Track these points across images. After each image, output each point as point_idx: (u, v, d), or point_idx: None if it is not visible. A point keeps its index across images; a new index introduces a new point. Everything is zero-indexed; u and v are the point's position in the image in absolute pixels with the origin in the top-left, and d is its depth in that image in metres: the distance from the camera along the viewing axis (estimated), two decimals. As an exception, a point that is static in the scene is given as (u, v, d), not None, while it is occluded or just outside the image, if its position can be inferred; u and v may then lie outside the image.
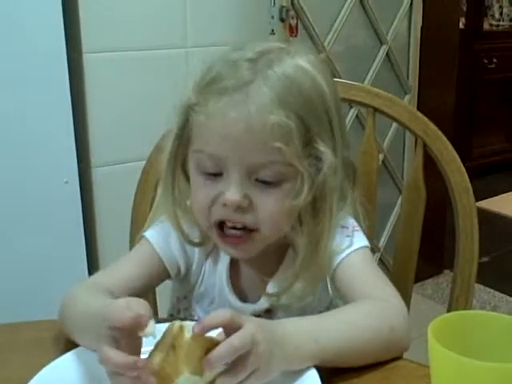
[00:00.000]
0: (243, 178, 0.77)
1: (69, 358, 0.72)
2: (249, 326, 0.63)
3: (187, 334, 0.62)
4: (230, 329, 0.63)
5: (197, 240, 0.88)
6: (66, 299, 0.80)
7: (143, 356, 0.64)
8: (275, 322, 0.70)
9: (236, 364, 0.62)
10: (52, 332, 0.81)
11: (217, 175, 0.79)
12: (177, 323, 0.63)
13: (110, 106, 1.75)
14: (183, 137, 0.82)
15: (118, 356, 0.61)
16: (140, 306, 0.64)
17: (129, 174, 1.24)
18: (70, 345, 0.76)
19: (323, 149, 0.78)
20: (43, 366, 0.70)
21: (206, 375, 0.62)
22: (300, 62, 0.79)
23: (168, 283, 0.94)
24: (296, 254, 0.84)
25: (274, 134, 0.75)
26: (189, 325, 0.63)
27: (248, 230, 0.80)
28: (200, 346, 0.62)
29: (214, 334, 0.64)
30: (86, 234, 1.74)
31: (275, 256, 0.88)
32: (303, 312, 0.88)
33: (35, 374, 0.68)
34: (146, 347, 0.65)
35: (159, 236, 0.89)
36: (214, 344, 0.62)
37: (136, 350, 0.64)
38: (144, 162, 1.10)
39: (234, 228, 0.80)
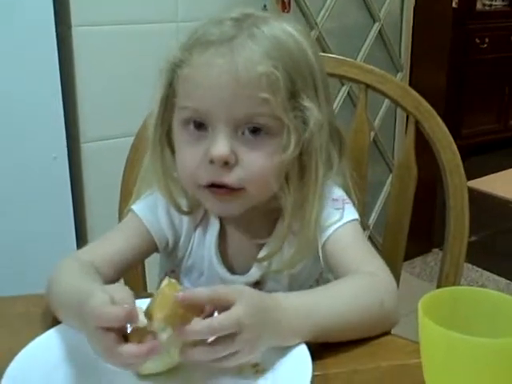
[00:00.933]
0: (229, 133, 0.76)
1: (52, 334, 0.72)
2: (236, 310, 0.63)
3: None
4: (219, 306, 0.63)
5: (186, 209, 0.87)
6: (52, 276, 0.79)
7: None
8: (268, 296, 0.69)
9: (217, 341, 0.62)
10: (40, 307, 0.80)
11: (201, 131, 0.78)
12: (166, 280, 0.64)
13: (99, 81, 1.73)
14: (168, 101, 0.81)
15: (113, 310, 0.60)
16: (123, 296, 0.63)
17: (118, 150, 1.23)
18: (56, 320, 0.76)
19: (308, 104, 0.78)
20: (31, 340, 0.70)
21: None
22: (287, 28, 0.79)
23: (156, 257, 0.94)
24: (287, 228, 0.84)
25: (260, 84, 0.74)
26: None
27: (235, 190, 0.79)
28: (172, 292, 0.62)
29: None
30: (74, 210, 1.73)
31: (265, 225, 0.87)
32: (293, 284, 0.88)
33: (22, 349, 0.68)
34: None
35: (147, 209, 0.88)
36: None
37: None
38: (133, 138, 1.09)
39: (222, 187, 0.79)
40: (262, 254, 0.87)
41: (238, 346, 0.62)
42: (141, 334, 0.61)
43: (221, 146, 0.76)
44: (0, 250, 1.60)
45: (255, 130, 0.77)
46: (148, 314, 0.63)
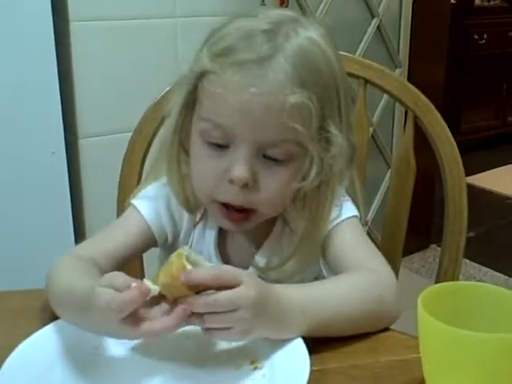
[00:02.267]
0: (252, 155, 0.76)
1: (49, 330, 0.71)
2: (237, 291, 0.63)
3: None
4: (222, 288, 0.63)
5: (192, 207, 0.87)
6: (50, 272, 0.78)
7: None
8: (271, 287, 0.69)
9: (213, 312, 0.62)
10: (38, 301, 0.80)
11: (222, 147, 0.77)
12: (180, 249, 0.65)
13: (97, 75, 1.72)
14: (189, 106, 0.80)
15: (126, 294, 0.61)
16: (123, 280, 0.63)
17: (116, 145, 1.23)
18: (54, 315, 0.75)
19: (334, 131, 0.77)
20: (29, 334, 0.69)
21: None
22: (312, 35, 0.78)
23: (155, 251, 0.93)
24: (285, 224, 0.84)
25: (292, 115, 0.73)
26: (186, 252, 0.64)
27: (247, 211, 0.79)
28: (177, 266, 0.62)
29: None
30: (72, 205, 1.72)
31: (264, 227, 0.87)
32: (292, 282, 0.88)
33: (20, 343, 0.68)
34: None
35: (147, 204, 0.88)
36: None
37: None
38: (131, 133, 1.09)
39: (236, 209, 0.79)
40: (258, 258, 0.87)
41: (231, 322, 0.63)
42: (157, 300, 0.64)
43: (243, 168, 0.75)
44: (-2, 244, 1.60)
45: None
46: (154, 278, 0.64)
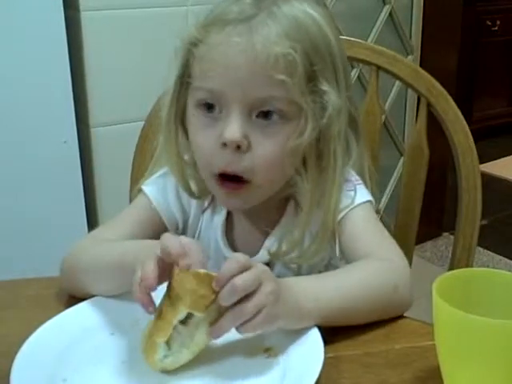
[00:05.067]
0: (244, 116, 0.75)
1: (63, 317, 0.72)
2: (256, 269, 0.63)
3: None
4: None
5: (196, 193, 0.87)
6: (72, 251, 0.80)
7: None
8: (280, 279, 0.69)
9: (241, 302, 0.62)
10: (52, 289, 0.81)
11: (215, 114, 0.76)
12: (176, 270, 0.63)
13: (109, 65, 1.72)
14: (183, 81, 0.80)
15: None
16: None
17: (128, 134, 1.23)
18: (69, 302, 0.76)
19: (327, 88, 0.76)
20: (42, 323, 0.70)
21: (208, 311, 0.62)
22: (308, 9, 0.77)
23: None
24: (297, 206, 0.83)
25: (278, 66, 0.73)
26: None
27: (242, 183, 0.78)
28: (191, 278, 0.61)
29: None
30: (85, 194, 1.73)
31: (274, 210, 0.86)
32: (302, 268, 0.88)
33: (34, 331, 0.68)
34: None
35: (157, 191, 0.88)
36: (206, 277, 0.62)
37: None
38: (143, 122, 1.09)
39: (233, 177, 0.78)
40: (269, 242, 0.86)
41: (261, 298, 0.62)
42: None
43: (234, 129, 0.74)
44: (11, 233, 1.61)
45: (269, 114, 0.75)
46: (166, 306, 0.63)
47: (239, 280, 0.61)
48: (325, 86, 0.76)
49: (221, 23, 0.75)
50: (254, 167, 0.76)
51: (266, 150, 0.76)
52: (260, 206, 0.83)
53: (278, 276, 0.81)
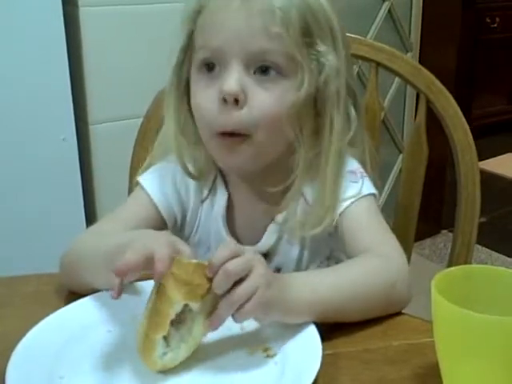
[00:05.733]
0: (241, 71, 0.76)
1: (62, 313, 0.72)
2: (249, 251, 0.65)
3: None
4: None
5: (194, 173, 0.87)
6: (71, 247, 0.80)
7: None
8: (277, 273, 0.69)
9: (234, 287, 0.63)
10: (51, 286, 0.81)
11: (215, 74, 0.78)
12: None
13: (108, 62, 1.72)
14: (188, 52, 0.81)
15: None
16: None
17: (126, 131, 1.23)
18: (68, 299, 0.76)
19: (323, 49, 0.78)
20: (41, 319, 0.70)
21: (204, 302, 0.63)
22: None
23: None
24: (299, 197, 0.83)
25: (274, 18, 0.74)
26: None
27: (243, 136, 0.78)
28: (183, 270, 0.62)
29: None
30: (83, 191, 1.73)
31: (276, 193, 0.84)
32: (302, 258, 0.88)
33: (32, 327, 0.68)
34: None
35: (154, 184, 0.88)
36: (198, 266, 0.62)
37: None
38: (141, 119, 1.09)
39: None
40: (274, 224, 0.86)
41: (252, 280, 0.63)
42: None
43: (232, 82, 0.75)
44: (10, 231, 1.61)
45: (267, 70, 0.77)
46: (161, 302, 0.63)
47: (230, 265, 0.62)
48: (322, 48, 0.78)
49: None
50: (253, 121, 0.77)
51: (264, 103, 0.77)
52: (261, 179, 0.83)
53: (279, 264, 0.81)
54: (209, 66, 0.78)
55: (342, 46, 0.81)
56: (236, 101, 0.76)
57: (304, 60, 0.76)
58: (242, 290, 0.63)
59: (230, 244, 0.66)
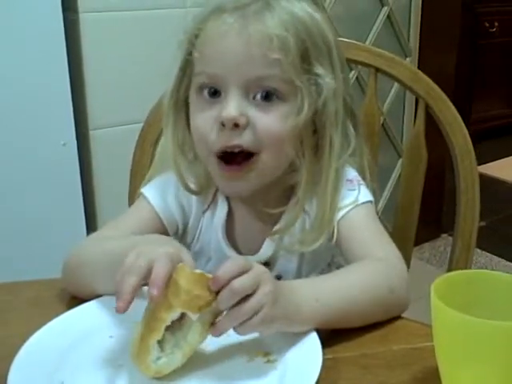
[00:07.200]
0: (241, 97, 0.77)
1: (63, 319, 0.72)
2: (254, 270, 0.63)
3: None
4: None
5: (194, 189, 0.87)
6: (74, 253, 0.80)
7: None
8: (280, 281, 0.69)
9: (239, 303, 0.62)
10: (51, 291, 0.81)
11: (215, 99, 0.78)
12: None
13: (108, 67, 1.72)
14: (186, 72, 0.82)
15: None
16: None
17: (127, 137, 1.23)
18: (70, 304, 0.76)
19: (321, 72, 0.78)
20: (42, 325, 0.70)
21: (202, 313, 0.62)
22: (306, 7, 0.79)
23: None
24: (298, 209, 0.83)
25: (272, 45, 0.75)
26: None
27: (248, 155, 0.78)
28: (185, 279, 0.61)
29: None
30: (84, 197, 1.73)
31: (276, 204, 0.85)
32: (303, 266, 0.88)
33: (34, 333, 0.68)
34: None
35: (157, 194, 0.88)
36: (201, 277, 0.62)
37: None
38: (142, 124, 1.09)
39: (234, 154, 0.78)
40: (272, 237, 0.86)
41: (258, 299, 0.62)
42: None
43: (231, 108, 0.76)
44: (10, 235, 1.61)
45: (267, 96, 0.77)
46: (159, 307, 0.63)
47: (237, 283, 0.61)
48: (319, 70, 0.78)
49: (218, 11, 0.78)
50: (256, 139, 0.77)
51: (267, 124, 0.77)
52: (261, 196, 0.84)
53: (279, 273, 0.81)
54: (210, 91, 0.79)
55: (340, 65, 0.82)
56: (236, 125, 0.76)
57: (303, 84, 0.77)
58: (248, 307, 0.62)
59: (238, 259, 0.65)
